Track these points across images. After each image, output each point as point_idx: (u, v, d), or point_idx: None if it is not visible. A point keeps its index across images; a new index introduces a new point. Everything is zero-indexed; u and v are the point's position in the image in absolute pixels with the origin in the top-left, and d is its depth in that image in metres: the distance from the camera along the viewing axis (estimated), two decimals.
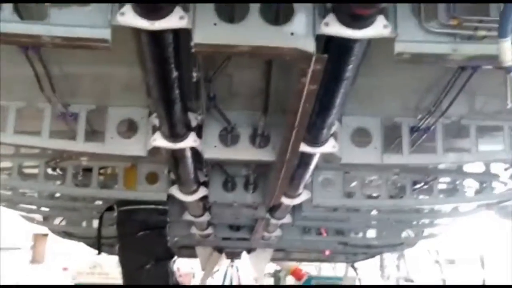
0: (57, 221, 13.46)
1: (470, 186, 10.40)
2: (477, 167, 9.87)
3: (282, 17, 4.32)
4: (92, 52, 4.63)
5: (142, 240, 9.86)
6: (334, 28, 4.15)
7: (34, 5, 4.25)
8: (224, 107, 6.69)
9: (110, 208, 10.18)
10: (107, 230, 10.92)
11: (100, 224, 10.59)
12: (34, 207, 12.25)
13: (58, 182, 9.85)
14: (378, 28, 4.17)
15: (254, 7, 4.23)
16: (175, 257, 10.71)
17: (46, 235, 25.66)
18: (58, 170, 9.67)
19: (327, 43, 4.40)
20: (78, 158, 9.22)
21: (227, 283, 23.53)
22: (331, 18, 4.14)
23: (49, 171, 9.67)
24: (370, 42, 4.51)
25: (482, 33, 4.42)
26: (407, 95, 6.78)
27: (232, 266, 22.67)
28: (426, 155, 7.40)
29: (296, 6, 4.24)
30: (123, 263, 10.22)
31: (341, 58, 4.52)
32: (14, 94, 6.62)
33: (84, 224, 13.18)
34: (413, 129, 7.15)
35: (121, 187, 9.33)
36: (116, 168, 9.46)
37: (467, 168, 9.95)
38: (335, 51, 4.41)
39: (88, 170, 9.53)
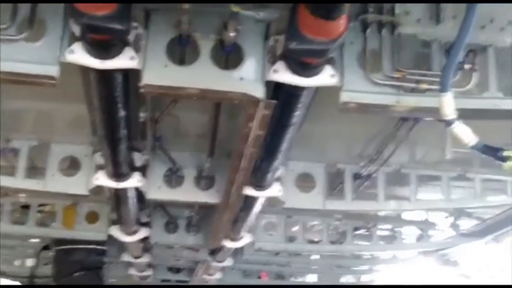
0: None
1: (409, 234, 10.57)
2: (418, 215, 10.06)
3: (232, 62, 4.36)
4: (37, 87, 4.55)
5: (78, 280, 9.62)
6: (282, 75, 4.21)
7: None
8: (170, 148, 6.66)
9: (46, 247, 9.90)
10: (42, 269, 10.59)
11: (36, 263, 10.29)
12: None
13: None
14: (325, 77, 4.24)
15: (205, 51, 4.26)
16: None
17: None
18: None
19: (275, 89, 4.45)
20: (15, 194, 8.95)
21: None
22: (280, 65, 4.20)
23: None
24: (317, 90, 4.59)
25: (424, 86, 4.53)
26: (351, 142, 6.91)
27: None
28: (368, 202, 7.53)
29: (246, 52, 4.29)
30: None
31: (289, 105, 4.58)
32: None
33: (17, 262, 12.73)
34: (355, 176, 7.28)
35: (60, 225, 9.08)
36: (55, 205, 9.23)
37: (407, 216, 10.13)
38: (283, 97, 4.47)
39: (26, 207, 9.26)
